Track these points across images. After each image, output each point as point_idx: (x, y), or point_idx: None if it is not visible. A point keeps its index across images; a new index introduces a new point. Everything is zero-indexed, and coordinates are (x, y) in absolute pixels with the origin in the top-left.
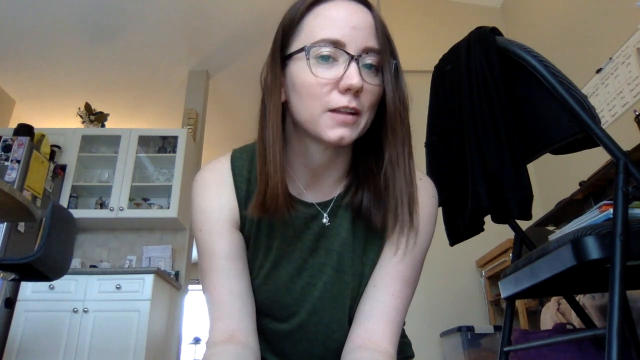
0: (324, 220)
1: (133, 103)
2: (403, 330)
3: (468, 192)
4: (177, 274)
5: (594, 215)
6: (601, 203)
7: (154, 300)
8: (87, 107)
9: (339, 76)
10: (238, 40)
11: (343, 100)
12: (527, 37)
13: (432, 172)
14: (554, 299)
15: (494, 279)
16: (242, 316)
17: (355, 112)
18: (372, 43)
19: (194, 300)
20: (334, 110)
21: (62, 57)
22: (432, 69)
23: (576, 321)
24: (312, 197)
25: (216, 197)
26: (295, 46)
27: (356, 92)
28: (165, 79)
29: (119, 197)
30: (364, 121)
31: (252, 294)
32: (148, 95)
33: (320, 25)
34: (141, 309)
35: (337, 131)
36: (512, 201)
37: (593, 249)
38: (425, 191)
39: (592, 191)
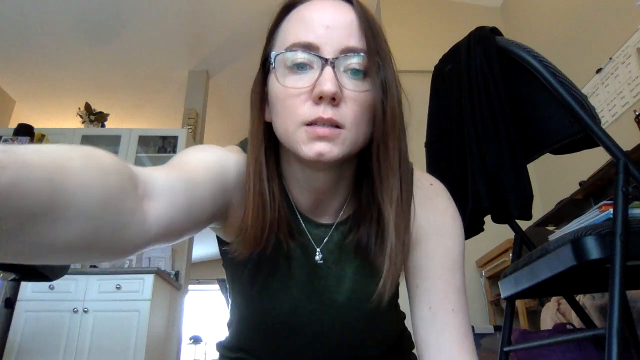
0: (317, 258)
1: (133, 103)
2: (404, 324)
3: (468, 192)
4: (177, 274)
5: (594, 216)
6: (601, 203)
7: (154, 300)
8: (87, 107)
9: (312, 84)
10: (238, 40)
11: (316, 112)
12: (527, 37)
13: (432, 172)
14: (554, 299)
15: (493, 279)
16: (170, 199)
17: (335, 125)
18: (354, 42)
19: (194, 300)
20: (310, 124)
21: (62, 57)
22: (432, 69)
23: (576, 321)
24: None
25: (219, 161)
26: (269, 56)
27: (333, 101)
28: (165, 79)
29: None
30: (351, 135)
31: (183, 209)
32: (148, 95)
33: (292, 29)
34: (141, 309)
35: (314, 147)
36: (512, 201)
37: (593, 249)
38: (442, 196)
39: (592, 191)
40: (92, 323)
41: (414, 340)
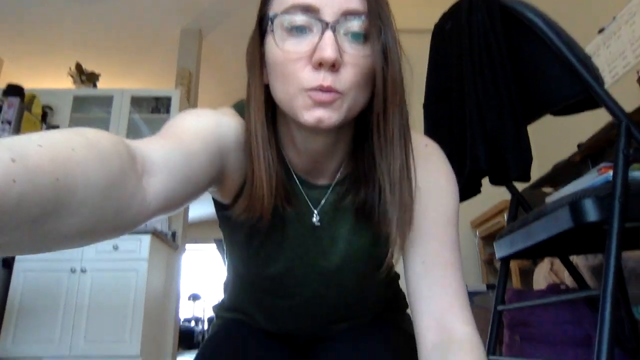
0: (314, 220)
1: (124, 63)
2: (398, 284)
3: (466, 154)
4: (173, 235)
5: (593, 178)
6: (601, 165)
7: (151, 260)
8: (78, 67)
9: (312, 49)
10: None
11: (316, 78)
12: None
13: (430, 133)
14: (547, 259)
15: (487, 239)
16: (170, 173)
17: (335, 91)
18: (354, 4)
19: (193, 259)
20: (310, 90)
21: (52, 15)
22: (432, 28)
23: (568, 280)
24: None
25: (214, 127)
26: (266, 17)
27: (332, 67)
28: (157, 38)
29: None
30: (349, 101)
31: (182, 183)
32: (139, 55)
33: None
34: (139, 269)
35: (314, 113)
36: (512, 163)
37: (591, 212)
38: (437, 156)
39: (589, 153)
40: (90, 282)
41: (407, 295)
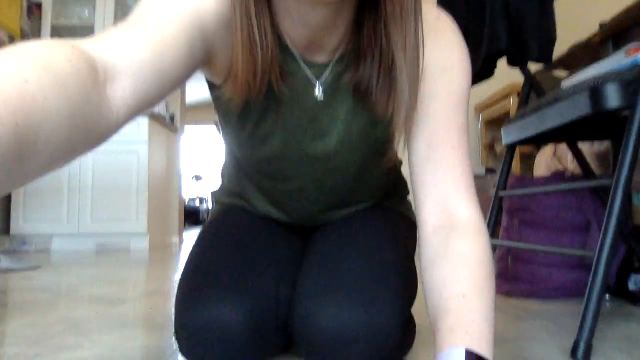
0: (317, 94)
1: None
2: (400, 171)
3: (484, 32)
4: (172, 117)
5: (619, 60)
6: (630, 46)
7: (151, 142)
8: None
9: None
10: None
11: None
12: None
13: (444, 5)
14: (551, 144)
15: (490, 124)
16: (142, 71)
17: None
18: None
19: (195, 140)
20: None
21: None
22: None
23: (572, 167)
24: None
25: (192, 6)
26: None
27: None
28: None
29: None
30: None
31: (158, 70)
32: None
33: None
34: (139, 151)
35: None
36: (534, 43)
37: (614, 97)
38: (450, 31)
39: (612, 34)
40: (92, 164)
41: (410, 181)
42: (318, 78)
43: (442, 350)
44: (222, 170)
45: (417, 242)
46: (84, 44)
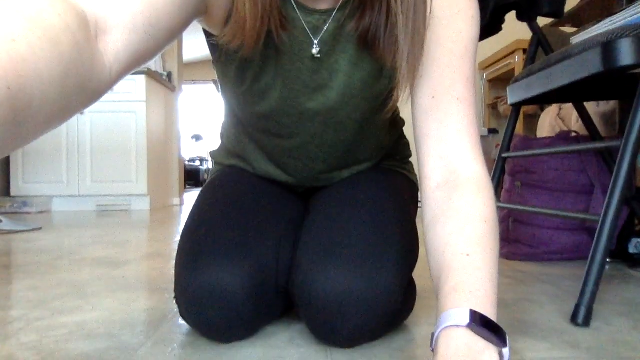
0: (314, 51)
1: None
2: (402, 131)
3: None
4: (169, 75)
5: (634, 14)
6: None
7: (149, 101)
8: None
9: None
10: None
11: None
12: None
13: None
14: (555, 104)
15: (494, 82)
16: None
17: None
18: None
19: (194, 99)
20: None
21: None
22: None
23: (576, 127)
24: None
25: None
26: None
27: None
28: None
29: None
30: None
31: (155, 26)
32: None
33: None
34: (137, 110)
35: None
36: None
37: (627, 54)
38: None
39: None
40: (90, 124)
41: (414, 135)
42: (319, 27)
43: (445, 310)
44: (221, 130)
45: (420, 202)
46: None
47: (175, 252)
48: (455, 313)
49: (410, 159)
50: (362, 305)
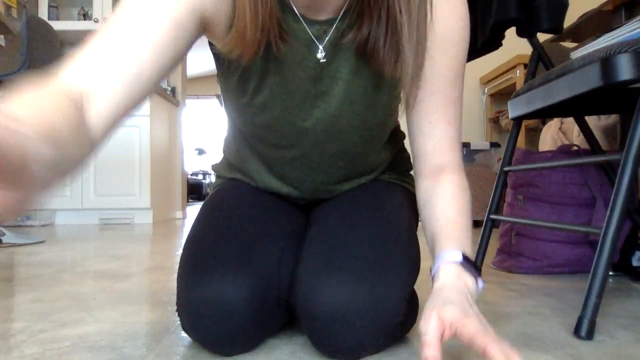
0: (319, 56)
1: None
2: (403, 144)
3: (492, 0)
4: (173, 90)
5: (633, 29)
6: None
7: (153, 115)
8: None
9: None
10: None
11: None
12: None
13: None
14: (557, 118)
15: (496, 97)
16: (112, 75)
17: None
18: None
19: (198, 114)
20: None
21: None
22: None
23: (578, 140)
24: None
25: None
26: None
27: None
28: None
29: (102, 6)
30: None
31: (145, 82)
32: None
33: None
34: (141, 124)
35: None
36: (544, 11)
37: (625, 69)
38: None
39: (624, 2)
40: None
41: (410, 147)
42: (320, 37)
43: (443, 250)
44: (224, 143)
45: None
46: (65, 76)
47: (177, 265)
48: (452, 254)
49: (411, 172)
50: (365, 319)
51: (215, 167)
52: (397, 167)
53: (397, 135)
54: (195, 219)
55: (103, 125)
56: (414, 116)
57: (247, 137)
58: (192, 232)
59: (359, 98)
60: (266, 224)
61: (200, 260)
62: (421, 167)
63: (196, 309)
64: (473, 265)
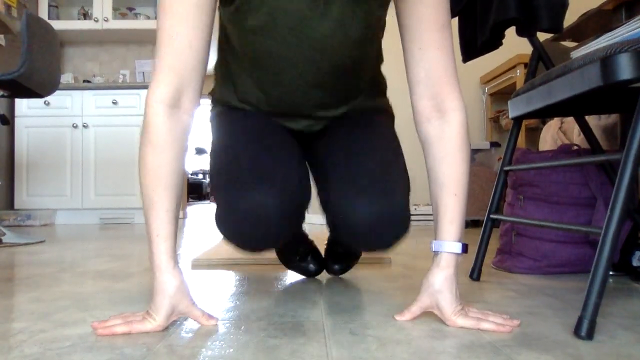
0: None
1: None
2: (380, 68)
3: (492, 0)
4: None
5: (633, 29)
6: None
7: None
8: None
9: None
10: None
11: None
12: None
13: None
14: (557, 117)
15: (496, 96)
16: (194, 76)
17: None
18: None
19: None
20: None
21: None
22: None
23: (578, 140)
24: None
25: None
26: None
27: None
28: None
29: (102, 6)
30: None
31: (208, 54)
32: None
33: None
34: (140, 124)
35: None
36: (543, 11)
37: (626, 68)
38: None
39: (624, 2)
40: (93, 138)
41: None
42: None
43: (446, 240)
44: (216, 75)
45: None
46: (182, 93)
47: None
48: (454, 245)
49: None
50: (391, 222)
51: (211, 100)
52: (379, 89)
53: (379, 55)
54: (213, 148)
55: (196, 103)
56: (406, 44)
57: (239, 58)
58: (218, 158)
59: (353, 20)
60: (276, 144)
61: (235, 175)
62: (418, 100)
63: (243, 218)
64: (464, 246)
